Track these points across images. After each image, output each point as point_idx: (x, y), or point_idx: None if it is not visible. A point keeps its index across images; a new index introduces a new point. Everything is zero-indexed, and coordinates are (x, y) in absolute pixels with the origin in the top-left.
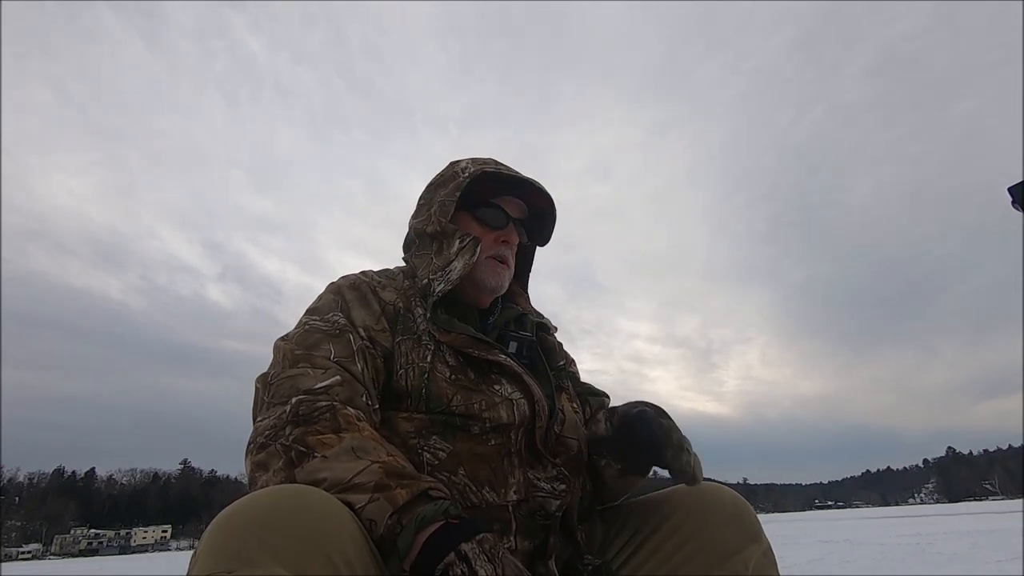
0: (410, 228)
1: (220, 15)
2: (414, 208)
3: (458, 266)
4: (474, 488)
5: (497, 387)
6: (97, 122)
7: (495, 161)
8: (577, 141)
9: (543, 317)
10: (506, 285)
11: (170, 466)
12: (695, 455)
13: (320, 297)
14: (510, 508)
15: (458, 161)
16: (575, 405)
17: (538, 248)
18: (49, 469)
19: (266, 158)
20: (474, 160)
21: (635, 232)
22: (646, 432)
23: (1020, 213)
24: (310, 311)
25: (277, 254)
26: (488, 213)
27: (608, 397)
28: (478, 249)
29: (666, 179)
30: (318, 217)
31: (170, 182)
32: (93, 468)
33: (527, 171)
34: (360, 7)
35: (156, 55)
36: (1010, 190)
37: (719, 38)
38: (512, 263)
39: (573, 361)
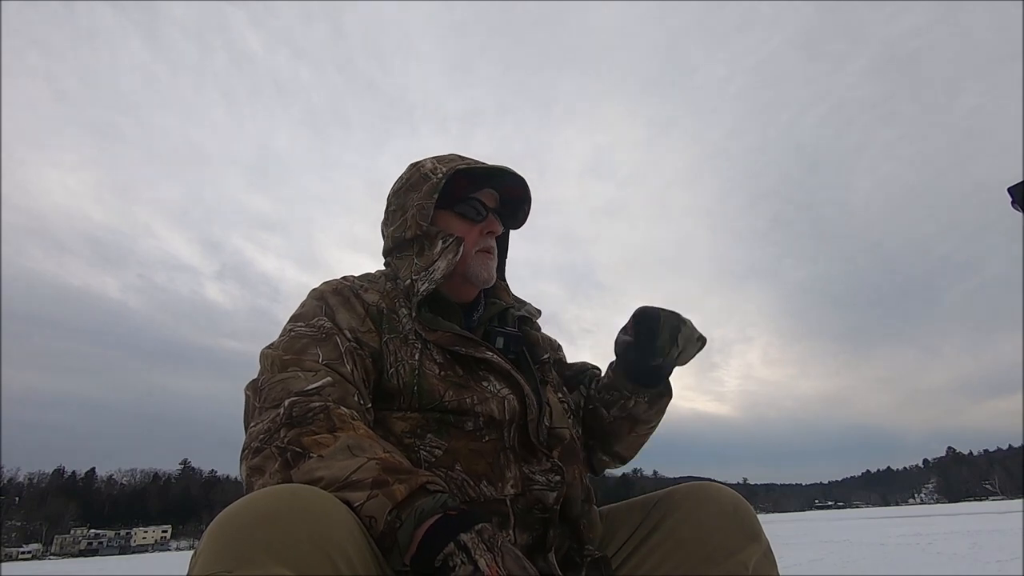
0: (386, 236)
1: (219, 11)
2: (383, 215)
3: (441, 266)
4: (472, 483)
5: (486, 384)
6: (94, 119)
7: (459, 156)
8: (578, 139)
9: (526, 304)
10: (495, 275)
11: (170, 466)
12: (689, 339)
13: (303, 304)
14: (508, 502)
15: (420, 162)
16: (560, 395)
17: (535, 246)
18: (49, 469)
19: (265, 155)
20: (438, 159)
21: (636, 230)
22: (649, 322)
23: (1020, 213)
24: (294, 318)
25: (276, 252)
26: (468, 208)
27: (598, 368)
28: (461, 248)
29: (667, 177)
30: (317, 215)
31: (168, 180)
32: (93, 468)
33: (528, 170)
34: (359, 4)
35: (154, 52)
36: (1010, 190)
37: (720, 36)
38: (496, 252)
39: (559, 347)
